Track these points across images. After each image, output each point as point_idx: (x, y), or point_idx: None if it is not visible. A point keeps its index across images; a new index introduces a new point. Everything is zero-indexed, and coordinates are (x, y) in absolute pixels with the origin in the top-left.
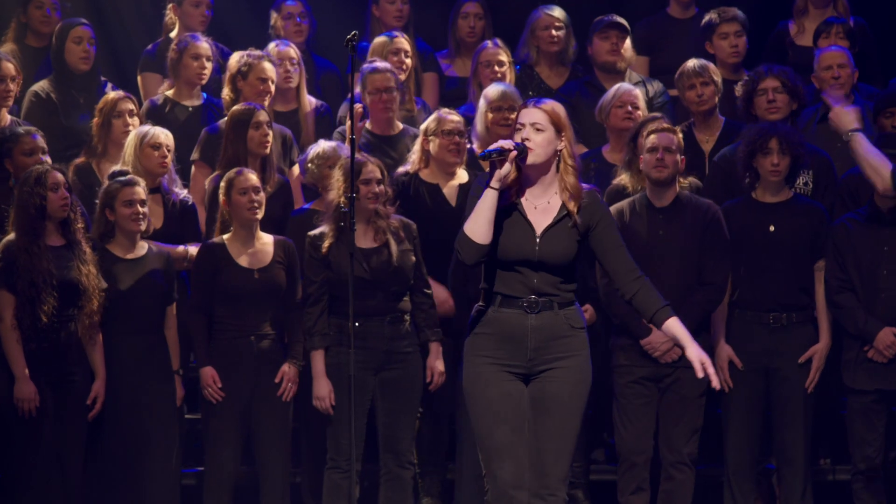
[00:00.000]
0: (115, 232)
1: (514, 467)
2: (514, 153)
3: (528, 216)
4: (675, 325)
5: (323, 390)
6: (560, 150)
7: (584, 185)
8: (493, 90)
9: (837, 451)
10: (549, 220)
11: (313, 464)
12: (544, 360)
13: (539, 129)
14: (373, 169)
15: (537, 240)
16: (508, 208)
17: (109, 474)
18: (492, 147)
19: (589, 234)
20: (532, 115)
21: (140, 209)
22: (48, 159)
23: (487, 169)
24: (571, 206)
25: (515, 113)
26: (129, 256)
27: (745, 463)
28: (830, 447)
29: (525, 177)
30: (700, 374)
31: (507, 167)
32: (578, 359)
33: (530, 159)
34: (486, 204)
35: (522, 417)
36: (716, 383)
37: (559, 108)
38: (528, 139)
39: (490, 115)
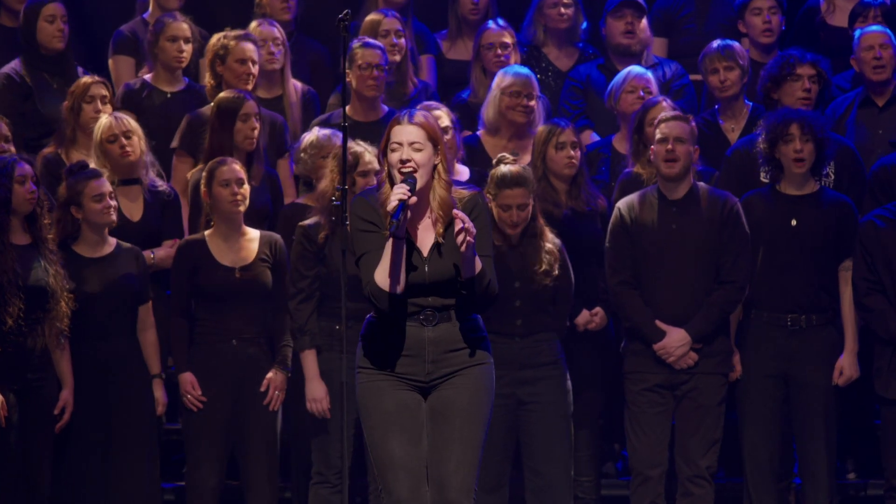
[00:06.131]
0: (82, 230)
1: (411, 481)
2: (414, 198)
3: (413, 237)
4: None
5: (318, 392)
6: (436, 165)
7: (466, 190)
8: (509, 75)
9: (869, 465)
10: (432, 239)
11: (303, 478)
12: (443, 371)
13: (418, 148)
14: (371, 160)
15: (425, 259)
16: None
17: (80, 488)
18: (396, 207)
19: None
20: (409, 134)
21: (110, 202)
22: (12, 148)
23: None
24: (439, 228)
25: (526, 100)
26: (97, 255)
27: (764, 475)
28: (861, 460)
29: None
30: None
31: (408, 214)
32: (478, 368)
33: (416, 186)
34: (397, 254)
35: (420, 429)
36: None
37: (432, 120)
38: (409, 160)
39: (505, 101)
